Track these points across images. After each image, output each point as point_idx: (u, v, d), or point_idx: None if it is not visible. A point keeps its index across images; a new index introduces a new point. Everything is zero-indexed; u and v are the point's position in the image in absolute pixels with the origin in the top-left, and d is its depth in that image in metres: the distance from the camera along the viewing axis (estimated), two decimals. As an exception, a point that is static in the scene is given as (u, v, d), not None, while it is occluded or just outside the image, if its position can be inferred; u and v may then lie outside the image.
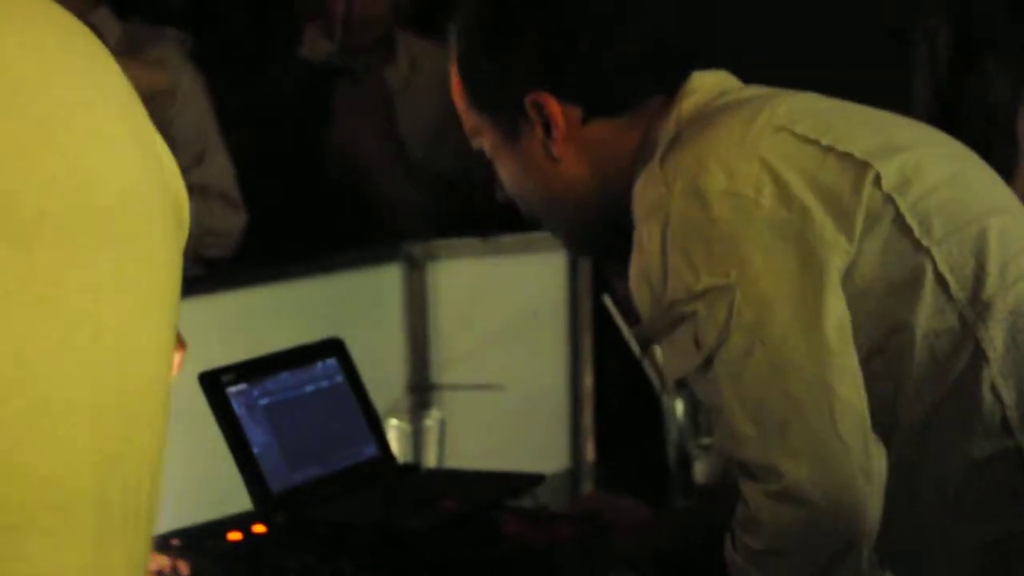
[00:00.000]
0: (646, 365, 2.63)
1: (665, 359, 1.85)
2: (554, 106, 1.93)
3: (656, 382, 2.63)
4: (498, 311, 2.92)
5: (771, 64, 2.00)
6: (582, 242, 2.07)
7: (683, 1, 2.26)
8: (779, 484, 1.72)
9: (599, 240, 2.02)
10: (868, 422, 1.75)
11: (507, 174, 2.00)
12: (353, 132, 3.44)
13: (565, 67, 1.94)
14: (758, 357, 1.75)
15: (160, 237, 0.96)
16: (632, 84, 1.96)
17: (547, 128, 1.94)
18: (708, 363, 1.77)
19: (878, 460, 1.75)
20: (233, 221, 3.26)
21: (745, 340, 1.75)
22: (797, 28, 3.22)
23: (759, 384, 1.75)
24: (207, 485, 2.28)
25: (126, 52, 3.15)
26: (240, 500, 2.15)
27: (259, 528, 2.11)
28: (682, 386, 2.53)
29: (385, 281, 2.84)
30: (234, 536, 2.11)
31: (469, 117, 2.00)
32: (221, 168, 3.27)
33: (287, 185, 3.40)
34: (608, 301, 2.67)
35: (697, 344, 1.78)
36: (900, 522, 1.77)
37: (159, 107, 3.10)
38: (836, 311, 1.76)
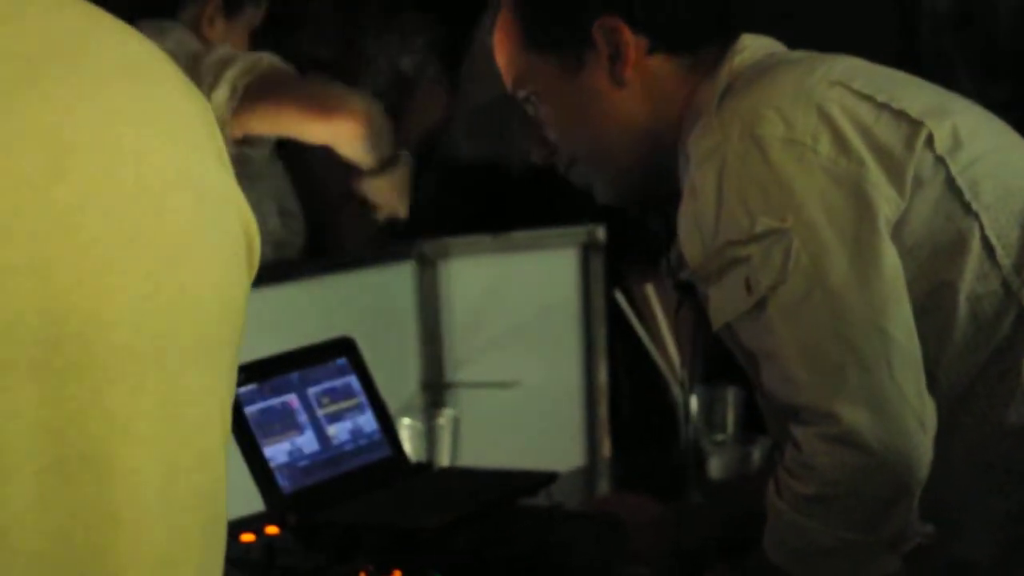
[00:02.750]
0: (659, 360, 2.62)
1: (713, 303, 1.85)
2: (626, 30, 1.94)
3: (669, 377, 2.62)
4: (511, 308, 2.91)
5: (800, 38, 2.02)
6: (619, 188, 2.04)
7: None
8: (837, 428, 1.73)
9: (639, 190, 2.02)
10: (922, 370, 1.77)
11: (558, 115, 2.00)
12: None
13: None
14: (815, 301, 1.76)
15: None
16: (694, 24, 1.98)
17: (612, 57, 1.95)
18: (760, 307, 1.78)
19: (931, 408, 1.76)
20: (293, 230, 3.20)
21: (802, 284, 1.76)
22: (800, 16, 3.20)
23: (816, 328, 1.76)
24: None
25: None
26: (252, 501, 2.14)
27: (272, 529, 2.10)
28: (693, 374, 2.52)
29: (397, 279, 2.83)
30: (247, 538, 2.09)
31: (518, 63, 2.01)
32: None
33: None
34: (620, 297, 2.66)
35: (748, 288, 1.78)
36: (931, 486, 1.77)
37: None
38: (891, 258, 1.78)
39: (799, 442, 1.76)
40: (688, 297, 1.99)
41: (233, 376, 0.98)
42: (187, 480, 0.93)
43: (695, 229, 1.83)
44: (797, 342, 1.76)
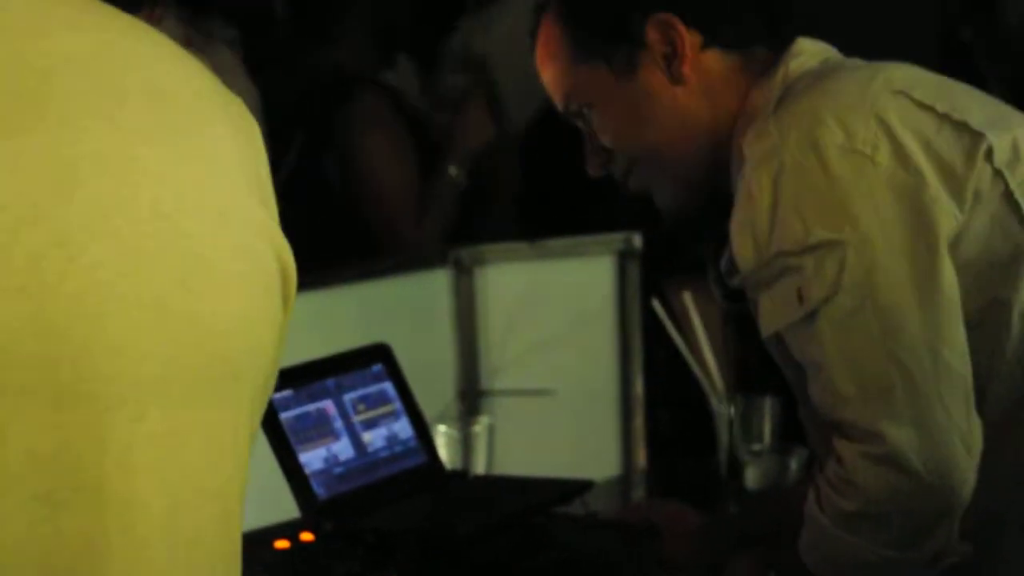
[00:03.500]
0: (695, 369, 2.60)
1: (763, 311, 1.82)
2: (679, 25, 1.93)
3: (706, 386, 2.61)
4: (547, 316, 2.90)
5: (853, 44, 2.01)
6: (678, 193, 2.01)
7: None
8: (882, 448, 1.70)
9: (698, 192, 1.99)
10: (972, 392, 1.75)
11: (614, 122, 1.98)
12: (369, 145, 3.39)
13: None
14: (867, 317, 1.73)
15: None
16: (747, 21, 1.96)
17: (667, 56, 1.93)
18: (810, 318, 1.76)
19: (977, 431, 1.74)
20: None
21: (854, 298, 1.74)
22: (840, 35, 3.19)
23: (866, 344, 1.73)
24: (253, 493, 2.26)
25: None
26: (287, 508, 2.14)
27: (306, 536, 2.10)
28: (735, 384, 2.51)
29: (433, 286, 2.83)
30: (281, 544, 2.09)
31: (568, 76, 1.99)
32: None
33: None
34: (657, 305, 2.65)
35: (800, 298, 1.76)
36: (976, 500, 1.76)
37: None
38: (949, 277, 1.75)
39: (843, 458, 1.74)
40: (737, 308, 1.97)
41: (256, 411, 0.96)
42: (193, 514, 0.91)
43: (748, 234, 1.81)
44: (846, 357, 1.74)
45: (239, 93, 3.09)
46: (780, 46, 1.95)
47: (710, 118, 1.95)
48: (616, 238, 2.94)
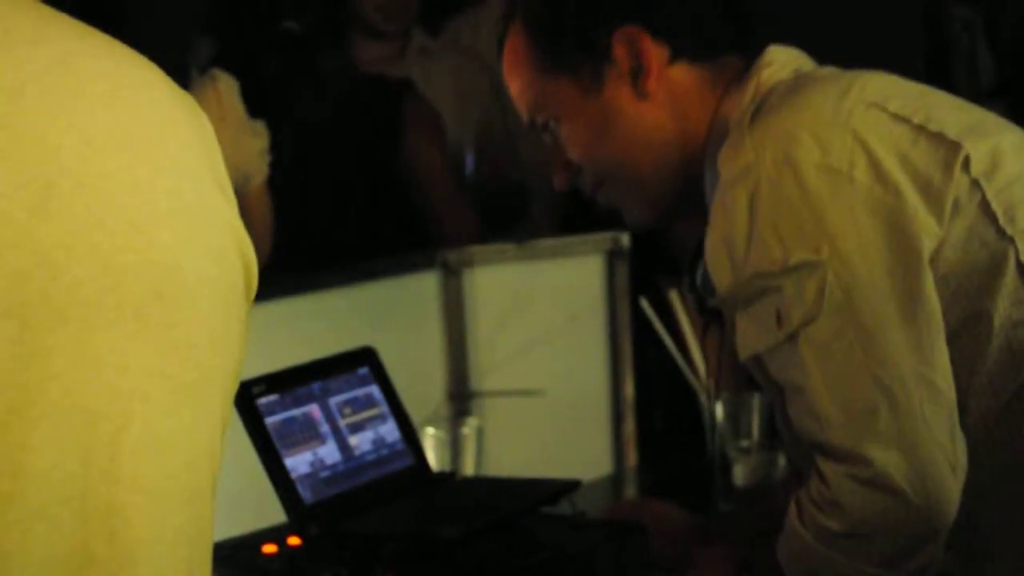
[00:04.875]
0: (684, 368, 2.61)
1: (740, 333, 1.80)
2: (646, 39, 1.91)
3: (695, 385, 2.61)
4: (536, 316, 2.90)
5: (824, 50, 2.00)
6: (651, 208, 2.00)
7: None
8: (868, 471, 1.69)
9: (667, 208, 1.98)
10: (955, 410, 1.73)
11: (580, 137, 1.96)
12: (416, 146, 3.42)
13: (656, 1, 1.92)
14: (849, 339, 1.71)
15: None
16: (716, 30, 1.94)
17: (633, 70, 1.92)
18: (791, 341, 1.74)
19: (962, 450, 1.72)
20: None
21: (836, 321, 1.71)
22: (827, 17, 3.18)
23: (849, 367, 1.71)
24: (240, 498, 2.27)
25: None
26: (274, 512, 2.14)
27: (294, 540, 2.10)
28: (723, 388, 2.51)
29: (422, 288, 2.83)
30: (269, 549, 2.09)
31: (534, 88, 1.97)
32: None
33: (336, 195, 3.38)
34: (646, 304, 2.65)
35: (779, 320, 1.74)
36: (961, 513, 1.74)
37: None
38: (930, 294, 1.73)
39: (827, 478, 1.72)
40: (715, 320, 1.96)
41: (228, 404, 0.97)
42: (174, 517, 0.92)
43: (725, 254, 1.78)
44: (828, 380, 1.72)
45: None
46: (751, 54, 1.93)
47: (678, 133, 1.93)
48: (604, 238, 2.94)
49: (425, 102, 3.44)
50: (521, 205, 3.63)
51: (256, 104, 3.19)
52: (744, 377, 2.13)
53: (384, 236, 3.33)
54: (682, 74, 1.93)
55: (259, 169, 3.10)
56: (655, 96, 1.92)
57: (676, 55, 1.93)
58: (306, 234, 3.26)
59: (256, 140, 3.10)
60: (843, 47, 2.08)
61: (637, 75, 1.92)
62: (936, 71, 3.73)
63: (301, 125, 3.30)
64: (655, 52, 1.92)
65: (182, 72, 3.10)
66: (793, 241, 1.73)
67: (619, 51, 1.92)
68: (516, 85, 1.99)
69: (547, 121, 1.98)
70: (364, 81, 3.44)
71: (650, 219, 2.01)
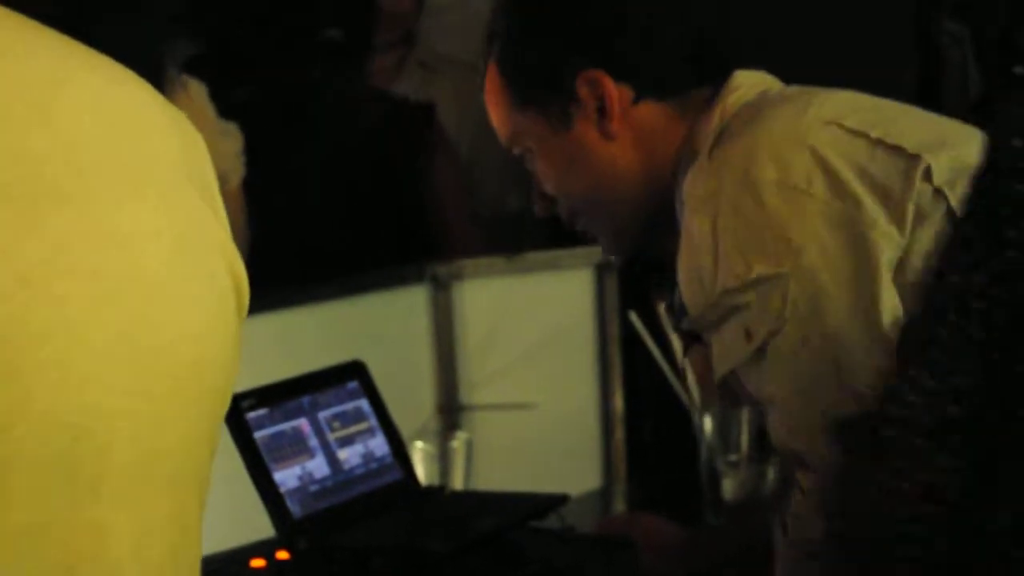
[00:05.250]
0: (674, 382, 2.61)
1: (714, 353, 1.83)
2: (609, 82, 1.92)
3: (685, 399, 2.61)
4: (525, 330, 2.90)
5: (796, 69, 1.99)
6: (622, 238, 2.04)
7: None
8: None
9: (641, 239, 2.01)
10: None
11: (553, 171, 1.99)
12: (440, 170, 3.43)
13: (618, 43, 1.94)
14: (814, 347, 1.73)
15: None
16: (680, 67, 1.96)
17: (600, 110, 1.93)
18: (760, 355, 1.76)
19: None
20: None
21: (800, 331, 1.73)
22: (819, 32, 3.19)
23: (817, 375, 1.73)
24: (228, 512, 2.27)
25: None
26: (262, 527, 2.14)
27: (282, 555, 2.10)
28: (710, 403, 2.51)
29: (411, 302, 2.83)
30: (257, 563, 2.09)
31: (510, 121, 2.00)
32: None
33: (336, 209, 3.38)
34: (635, 318, 2.65)
35: (748, 336, 1.76)
36: None
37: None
38: (892, 303, 1.74)
39: (805, 488, 1.74)
40: (694, 342, 1.98)
41: (218, 423, 0.97)
42: (161, 535, 0.91)
43: (694, 278, 1.81)
44: (799, 389, 1.74)
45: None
46: (718, 82, 1.94)
47: (646, 168, 1.95)
48: (594, 251, 2.93)
49: (441, 125, 3.45)
50: (515, 219, 3.63)
51: (265, 115, 3.20)
52: (729, 391, 2.14)
53: (375, 249, 3.32)
54: (648, 112, 1.95)
55: (235, 170, 3.09)
56: (620, 136, 1.94)
57: (640, 95, 1.95)
58: (298, 247, 3.25)
59: (230, 141, 3.10)
60: (834, 63, 2.09)
61: (602, 116, 1.94)
62: (927, 86, 3.74)
63: (315, 138, 3.30)
64: (618, 94, 1.94)
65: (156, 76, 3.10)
66: (755, 256, 1.75)
67: (583, 93, 1.94)
68: (494, 115, 2.03)
69: (523, 152, 2.00)
70: (388, 101, 3.44)
71: (623, 249, 2.05)
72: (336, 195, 3.34)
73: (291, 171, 3.25)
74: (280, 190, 3.26)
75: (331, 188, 3.32)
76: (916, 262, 1.77)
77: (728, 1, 2.08)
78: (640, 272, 2.90)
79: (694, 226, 1.80)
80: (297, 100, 3.29)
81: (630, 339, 2.78)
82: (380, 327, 2.78)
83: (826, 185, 1.76)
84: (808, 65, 1.99)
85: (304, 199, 3.33)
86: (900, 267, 1.76)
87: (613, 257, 2.07)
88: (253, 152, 3.09)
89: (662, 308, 2.61)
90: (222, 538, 2.22)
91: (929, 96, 3.51)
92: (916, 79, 3.63)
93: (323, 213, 3.32)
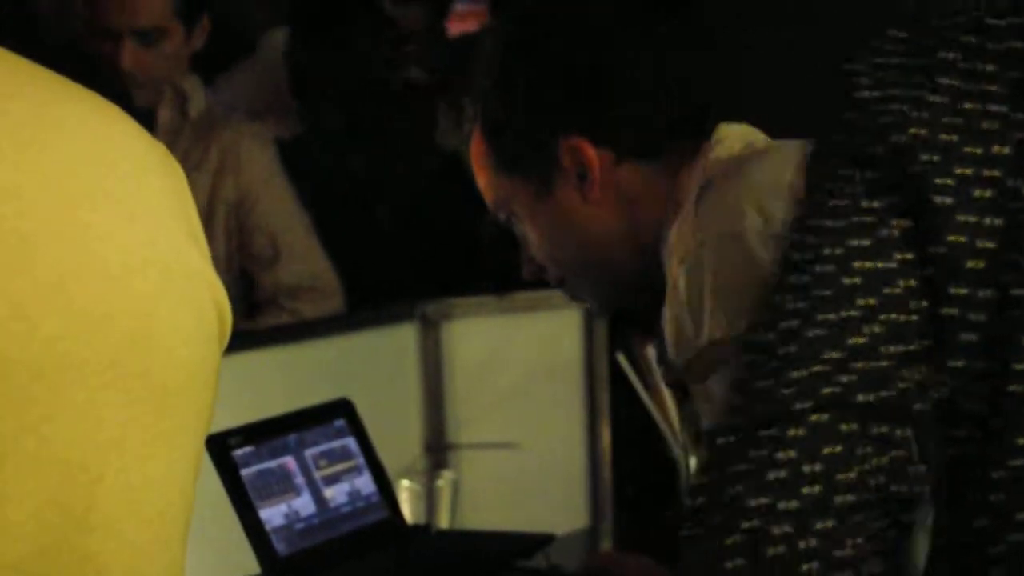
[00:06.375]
0: (661, 423, 2.61)
1: (699, 405, 1.82)
2: (588, 149, 1.93)
3: (671, 440, 2.61)
4: (514, 369, 2.91)
5: (772, 124, 2.00)
6: (612, 299, 2.04)
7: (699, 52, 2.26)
8: None
9: (629, 297, 2.01)
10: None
11: (538, 235, 1.99)
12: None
13: (598, 109, 1.94)
14: None
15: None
16: (660, 129, 1.95)
17: (580, 176, 1.94)
18: None
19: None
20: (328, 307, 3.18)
21: None
22: (795, 87, 3.20)
23: None
24: (214, 549, 2.27)
25: (206, 127, 3.16)
26: (248, 564, 2.14)
27: (267, 592, 2.10)
28: (697, 443, 2.51)
29: (400, 341, 2.83)
30: (242, 600, 2.09)
31: (495, 186, 2.00)
32: (303, 258, 3.18)
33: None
34: (622, 359, 2.66)
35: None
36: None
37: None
38: None
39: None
40: (683, 391, 1.98)
41: (200, 451, 0.97)
42: (150, 567, 0.92)
43: (679, 331, 1.82)
44: None
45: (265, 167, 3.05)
46: (702, 136, 1.95)
47: (631, 229, 1.95)
48: (583, 292, 2.95)
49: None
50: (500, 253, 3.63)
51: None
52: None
53: (364, 287, 3.33)
54: (630, 173, 1.95)
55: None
56: (603, 199, 1.94)
57: (621, 158, 1.95)
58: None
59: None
60: (810, 119, 2.10)
61: (584, 181, 1.94)
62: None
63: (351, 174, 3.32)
64: (599, 159, 1.94)
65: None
66: (739, 312, 1.75)
67: (565, 161, 1.94)
68: (480, 179, 2.03)
69: (508, 217, 2.01)
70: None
71: (612, 308, 2.05)
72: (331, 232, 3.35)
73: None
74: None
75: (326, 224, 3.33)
76: None
77: (707, 57, 2.08)
78: (627, 315, 2.91)
79: (680, 279, 1.80)
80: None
81: (618, 380, 2.79)
82: (369, 365, 2.78)
83: None
84: (785, 121, 1.99)
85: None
86: None
87: (600, 316, 2.07)
88: None
89: (651, 349, 2.62)
90: (208, 575, 2.22)
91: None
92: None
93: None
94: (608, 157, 1.94)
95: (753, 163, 1.86)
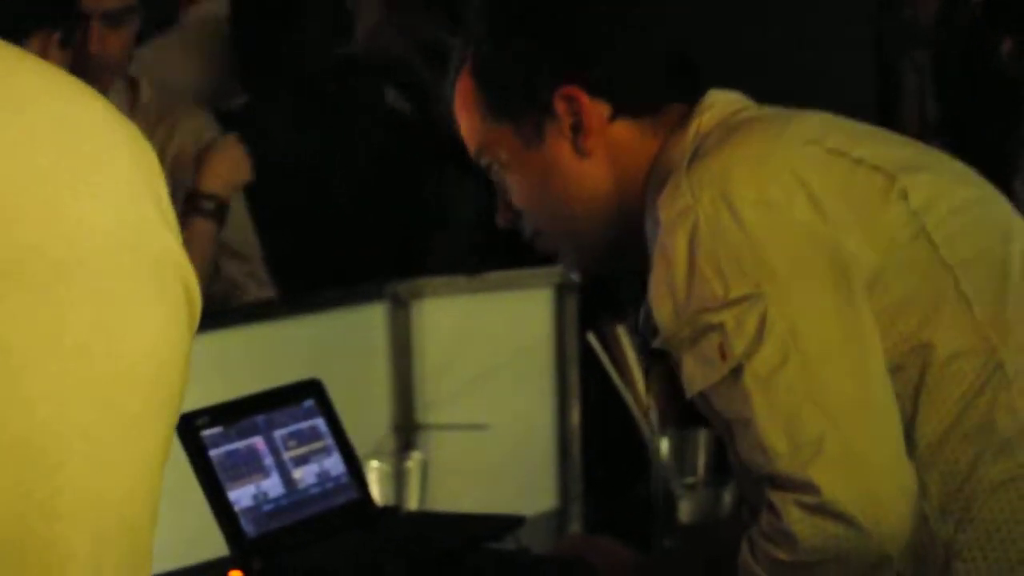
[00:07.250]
0: (631, 404, 2.60)
1: (686, 371, 1.81)
2: (585, 99, 1.92)
3: (641, 421, 2.61)
4: (484, 349, 2.90)
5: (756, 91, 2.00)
6: (584, 257, 2.02)
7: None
8: (817, 498, 1.69)
9: (605, 257, 2.00)
10: (902, 434, 1.75)
11: (522, 185, 1.97)
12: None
13: (596, 60, 1.93)
14: (792, 369, 1.72)
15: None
16: (657, 85, 1.96)
17: (575, 127, 1.92)
18: (735, 375, 1.75)
19: (911, 476, 1.74)
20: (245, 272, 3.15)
21: (778, 351, 1.73)
22: (778, 55, 3.20)
23: (793, 396, 1.72)
24: (182, 530, 2.26)
25: (158, 116, 3.12)
26: (216, 545, 2.13)
27: (235, 574, 2.08)
28: (667, 425, 2.51)
29: (370, 320, 2.82)
30: (211, 582, 2.08)
31: (481, 130, 1.98)
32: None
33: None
34: (593, 339, 2.65)
35: (723, 355, 1.75)
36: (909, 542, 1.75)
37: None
38: (869, 323, 1.75)
39: (777, 508, 1.72)
40: (658, 361, 1.97)
41: (168, 439, 0.96)
42: (115, 553, 0.91)
43: (667, 295, 1.79)
44: (773, 411, 1.72)
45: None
46: (693, 99, 1.94)
47: (618, 187, 1.94)
48: (554, 271, 2.93)
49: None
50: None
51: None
52: (690, 414, 2.14)
53: (334, 266, 3.31)
54: (623, 130, 1.94)
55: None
56: (594, 153, 1.93)
57: (617, 113, 1.94)
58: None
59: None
60: (795, 86, 2.09)
61: (577, 133, 1.93)
62: (886, 108, 3.77)
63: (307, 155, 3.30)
64: (595, 111, 1.93)
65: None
66: (732, 276, 1.75)
67: (560, 109, 1.93)
68: (464, 124, 2.00)
69: (491, 163, 1.99)
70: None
71: (585, 267, 2.04)
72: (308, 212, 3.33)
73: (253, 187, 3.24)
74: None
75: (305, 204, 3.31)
76: (889, 284, 1.78)
77: (697, 21, 2.08)
78: (599, 293, 2.90)
79: (668, 241, 1.79)
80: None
81: (588, 360, 2.78)
82: (338, 345, 2.77)
83: (805, 204, 1.76)
84: (768, 91, 1.99)
85: (265, 213, 3.32)
86: (872, 288, 1.76)
87: (574, 274, 2.05)
88: None
89: (622, 329, 2.61)
90: (174, 557, 2.20)
91: (886, 120, 3.53)
92: (875, 103, 3.65)
93: (284, 228, 3.31)
94: (604, 110, 1.94)
95: (747, 130, 1.86)
